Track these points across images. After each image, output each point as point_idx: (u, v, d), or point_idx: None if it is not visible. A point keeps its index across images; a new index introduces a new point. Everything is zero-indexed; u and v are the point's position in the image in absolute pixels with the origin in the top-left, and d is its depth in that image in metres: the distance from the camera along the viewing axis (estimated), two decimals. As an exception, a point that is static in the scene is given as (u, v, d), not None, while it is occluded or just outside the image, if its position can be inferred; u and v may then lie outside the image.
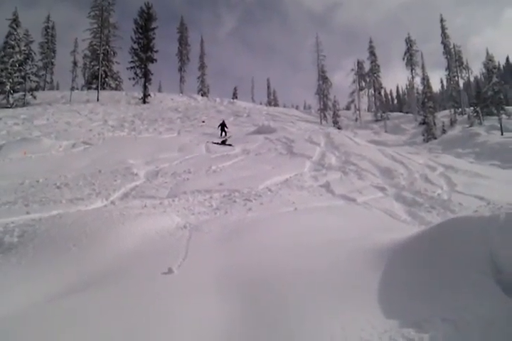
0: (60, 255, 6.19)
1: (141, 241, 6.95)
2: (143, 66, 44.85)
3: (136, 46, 45.34)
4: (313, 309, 4.27)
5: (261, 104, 66.03)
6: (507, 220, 4.37)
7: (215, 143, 22.32)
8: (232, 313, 4.31)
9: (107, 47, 51.30)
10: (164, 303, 4.60)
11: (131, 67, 45.12)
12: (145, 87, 43.74)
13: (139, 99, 41.85)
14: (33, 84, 40.40)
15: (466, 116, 36.64)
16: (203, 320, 4.21)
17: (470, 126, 32.71)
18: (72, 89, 43.32)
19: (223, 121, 26.45)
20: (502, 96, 33.31)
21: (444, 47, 44.14)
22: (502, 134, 27.68)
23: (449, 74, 44.02)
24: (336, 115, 42.16)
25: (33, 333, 3.85)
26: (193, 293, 4.91)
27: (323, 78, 47.70)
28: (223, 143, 22.43)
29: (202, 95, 55.70)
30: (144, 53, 44.97)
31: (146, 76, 44.58)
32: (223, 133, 25.36)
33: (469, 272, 4.30)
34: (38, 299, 4.69)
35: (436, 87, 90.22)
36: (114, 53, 52.88)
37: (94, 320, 4.16)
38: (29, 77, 38.76)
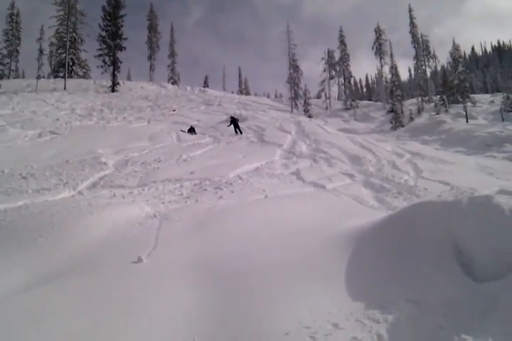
0: (26, 246, 6.07)
1: (110, 231, 6.87)
2: (111, 54, 43.89)
3: (104, 34, 44.28)
4: (282, 295, 4.34)
5: (232, 92, 65.72)
6: (469, 204, 4.49)
7: (182, 130, 22.03)
8: (202, 302, 4.33)
9: (74, 34, 49.85)
10: (133, 292, 4.58)
11: (100, 55, 44.14)
12: (114, 75, 42.87)
13: (108, 88, 41.02)
14: (-3, 72, 39.08)
15: (432, 104, 37.36)
16: (172, 308, 4.22)
17: (436, 114, 33.38)
18: (39, 77, 42.03)
19: (232, 117, 23.05)
20: (467, 85, 34.20)
21: (412, 37, 44.80)
22: (467, 122, 28.37)
23: (416, 63, 44.74)
24: (306, 103, 42.33)
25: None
26: (163, 282, 4.90)
27: (294, 67, 47.73)
28: (190, 131, 22.02)
29: (172, 83, 54.98)
30: (112, 41, 43.98)
31: (115, 64, 43.68)
32: (237, 131, 22.17)
33: (433, 255, 4.42)
34: (1, 292, 4.59)
35: (404, 75, 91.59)
36: (81, 41, 51.44)
37: (61, 311, 4.11)
38: (-8, 65, 37.46)
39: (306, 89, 45.21)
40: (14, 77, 51.08)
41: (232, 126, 22.33)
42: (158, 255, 5.85)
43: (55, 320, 3.93)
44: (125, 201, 9.08)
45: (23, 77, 53.94)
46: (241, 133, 21.98)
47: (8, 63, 49.50)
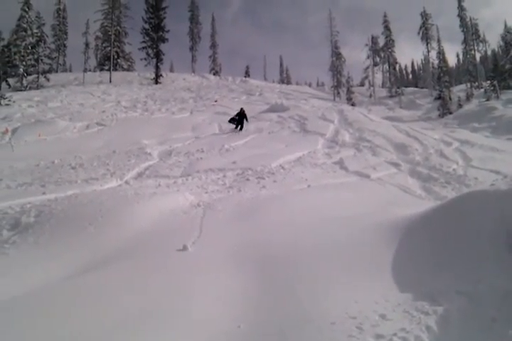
0: (76, 234, 6.29)
1: (156, 220, 7.03)
2: (154, 46, 44.66)
3: (147, 26, 45.08)
4: (327, 283, 4.30)
5: (273, 82, 65.47)
6: (523, 193, 4.30)
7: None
8: (246, 289, 4.36)
9: (119, 27, 50.84)
10: (180, 279, 4.67)
11: (143, 48, 45.01)
12: (157, 67, 43.60)
13: (151, 80, 41.78)
14: (46, 67, 40.37)
15: (482, 90, 35.86)
16: (217, 295, 4.26)
17: (486, 100, 32.04)
18: (85, 70, 43.27)
19: (242, 110, 20.68)
20: (520, 69, 32.52)
21: (461, 20, 43.08)
22: (520, 108, 27.07)
23: (465, 48, 43.08)
24: (349, 91, 41.59)
25: (50, 311, 3.93)
26: (208, 269, 4.96)
27: (336, 54, 46.91)
28: (232, 121, 21.08)
29: (214, 74, 55.28)
30: (155, 33, 44.68)
31: (158, 56, 44.41)
32: (239, 127, 19.98)
33: (485, 245, 4.26)
34: (55, 277, 4.79)
35: (451, 61, 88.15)
36: (125, 34, 52.47)
37: (111, 296, 4.24)
38: (42, 60, 38.80)
39: (349, 77, 44.41)
40: (62, 71, 52.85)
41: (243, 120, 20.17)
42: (202, 243, 5.93)
43: (103, 303, 4.05)
44: (170, 190, 9.24)
45: (71, 71, 55.70)
46: (241, 128, 19.82)
47: (56, 57, 51.07)
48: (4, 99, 25.34)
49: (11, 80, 35.62)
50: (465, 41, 42.73)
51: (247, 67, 65.96)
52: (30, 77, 36.32)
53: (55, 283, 4.63)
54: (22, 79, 35.29)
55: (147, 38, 44.87)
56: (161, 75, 43.15)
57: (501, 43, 41.00)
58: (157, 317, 3.74)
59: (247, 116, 20.53)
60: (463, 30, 43.00)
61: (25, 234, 6.38)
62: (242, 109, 20.92)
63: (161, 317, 3.75)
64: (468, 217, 4.69)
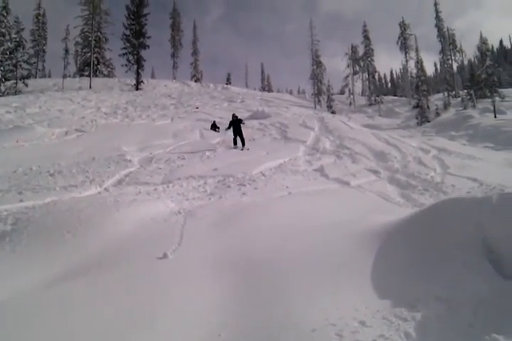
0: (54, 242, 6.18)
1: (136, 227, 6.95)
2: (135, 52, 44.54)
3: (128, 32, 45.01)
4: (307, 290, 4.32)
5: (255, 89, 65.93)
6: (499, 201, 4.40)
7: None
8: (227, 296, 4.36)
9: (99, 33, 50.64)
10: (160, 287, 4.64)
11: (124, 54, 44.88)
12: (138, 74, 43.45)
13: (132, 86, 41.61)
14: (25, 72, 39.81)
15: (459, 99, 36.60)
16: (198, 302, 4.25)
17: (463, 109, 32.71)
18: (64, 76, 42.89)
19: (234, 117, 17.29)
20: (495, 79, 33.23)
21: (438, 31, 44.00)
22: (495, 117, 27.68)
23: (442, 58, 43.93)
24: (330, 99, 42.06)
25: (27, 319, 3.88)
26: (188, 277, 4.95)
27: (317, 63, 47.40)
28: (213, 127, 21.37)
29: (195, 81, 55.37)
30: (136, 39, 44.61)
31: (139, 62, 44.29)
32: (236, 141, 16.79)
33: (462, 252, 4.34)
34: (32, 286, 4.71)
35: (429, 70, 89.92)
36: (106, 40, 52.32)
37: (90, 305, 4.19)
38: (20, 65, 38.33)
39: (329, 85, 44.89)
40: (41, 77, 52.28)
41: (231, 130, 16.94)
42: (183, 251, 5.90)
43: (81, 312, 4.01)
44: (150, 198, 9.16)
45: (50, 77, 55.02)
46: (243, 144, 16.56)
47: (34, 63, 50.57)
48: (-19, 104, 24.91)
49: (-12, 86, 35.09)
50: (442, 51, 43.58)
51: (229, 75, 66.49)
52: (8, 83, 35.83)
53: (32, 292, 4.55)
54: (0, 85, 34.74)
55: (128, 44, 44.76)
56: (141, 81, 43.02)
57: (477, 53, 41.94)
58: (134, 327, 3.72)
59: (243, 120, 17.63)
60: (440, 40, 43.89)
61: (1, 243, 6.23)
62: (234, 114, 17.80)
63: (138, 326, 3.72)
64: (446, 224, 4.77)
